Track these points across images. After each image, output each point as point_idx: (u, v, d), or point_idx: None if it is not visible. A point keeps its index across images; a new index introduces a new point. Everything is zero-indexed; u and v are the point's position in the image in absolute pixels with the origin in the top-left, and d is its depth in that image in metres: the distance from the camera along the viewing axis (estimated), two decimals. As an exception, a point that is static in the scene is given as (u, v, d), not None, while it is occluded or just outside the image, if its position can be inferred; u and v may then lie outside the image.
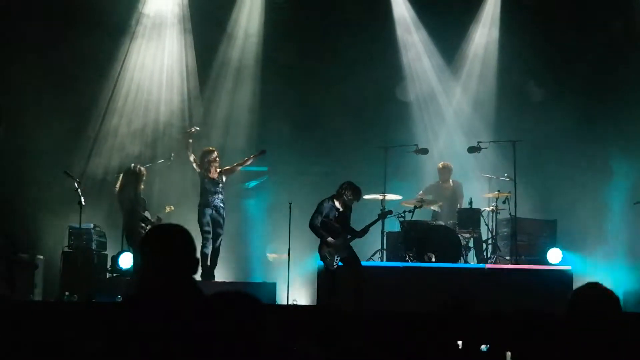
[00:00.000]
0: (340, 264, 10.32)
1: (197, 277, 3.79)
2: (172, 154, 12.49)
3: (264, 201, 14.37)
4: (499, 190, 12.34)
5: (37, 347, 5.83)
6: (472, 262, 12.12)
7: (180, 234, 3.68)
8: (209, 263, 11.35)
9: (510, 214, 12.16)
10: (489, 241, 12.26)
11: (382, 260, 11.97)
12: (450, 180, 13.20)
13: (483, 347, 4.59)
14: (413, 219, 12.12)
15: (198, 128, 12.24)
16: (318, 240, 10.42)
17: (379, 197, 12.26)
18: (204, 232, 11.33)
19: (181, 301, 3.52)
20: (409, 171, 13.83)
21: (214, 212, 11.47)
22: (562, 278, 10.88)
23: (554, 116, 13.52)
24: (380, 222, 11.25)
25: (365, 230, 10.49)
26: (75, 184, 11.08)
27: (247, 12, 14.42)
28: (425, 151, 13.10)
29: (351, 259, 10.36)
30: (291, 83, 14.28)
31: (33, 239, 12.34)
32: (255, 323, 3.12)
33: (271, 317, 3.17)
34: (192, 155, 11.56)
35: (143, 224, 10.99)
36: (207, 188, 11.49)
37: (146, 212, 11.24)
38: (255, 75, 14.39)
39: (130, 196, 11.05)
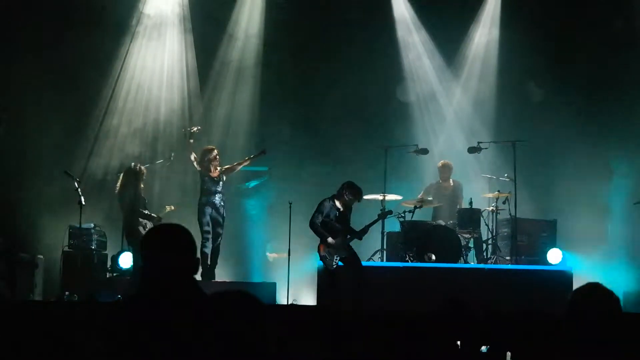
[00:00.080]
0: (340, 263, 10.32)
1: (198, 276, 3.79)
2: (172, 154, 12.50)
3: (264, 201, 14.37)
4: (499, 191, 12.34)
5: (37, 347, 5.84)
6: (472, 262, 12.12)
7: (180, 234, 3.68)
8: (209, 262, 11.36)
9: (510, 214, 12.16)
10: (489, 241, 12.25)
11: (382, 261, 11.97)
12: (451, 179, 13.20)
13: (483, 349, 4.58)
14: (413, 219, 12.12)
15: (199, 127, 12.25)
16: (318, 240, 10.43)
17: (379, 197, 12.26)
18: (203, 232, 11.35)
19: (182, 301, 3.52)
20: (409, 171, 13.83)
21: (213, 211, 11.48)
22: (562, 278, 10.88)
23: (554, 116, 13.52)
24: (380, 222, 11.25)
25: (365, 231, 10.49)
26: (75, 184, 11.08)
27: (247, 12, 14.43)
28: (425, 151, 13.10)
29: (351, 258, 10.37)
30: (291, 83, 14.29)
31: (33, 239, 12.34)
32: (255, 323, 3.12)
33: (271, 317, 3.17)
34: (193, 153, 11.58)
35: (143, 224, 11.00)
36: (207, 187, 11.51)
37: (146, 211, 11.25)
38: (256, 75, 14.40)
39: (130, 195, 11.06)
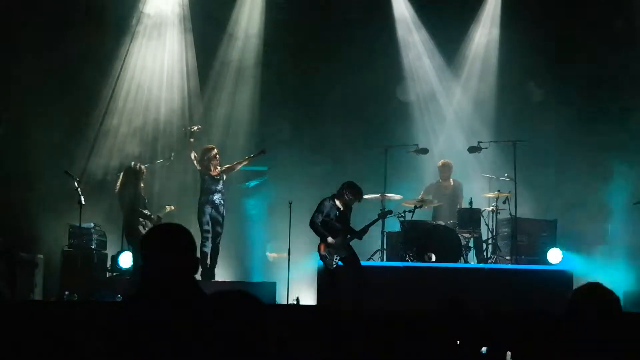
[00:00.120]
0: (340, 263, 10.32)
1: (197, 276, 3.79)
2: (172, 154, 12.51)
3: (264, 201, 14.38)
4: (499, 190, 12.34)
5: (37, 347, 5.84)
6: (472, 262, 12.11)
7: (180, 234, 3.68)
8: (208, 262, 11.36)
9: (510, 214, 12.16)
10: (489, 241, 12.25)
11: (382, 260, 11.97)
12: (451, 179, 13.20)
13: (483, 349, 4.58)
14: (413, 218, 12.12)
15: (200, 126, 12.26)
16: (318, 240, 10.43)
17: (379, 196, 12.26)
18: (203, 231, 11.36)
19: (182, 301, 3.52)
20: (409, 171, 13.83)
21: (213, 210, 11.49)
22: (562, 278, 10.88)
23: (554, 116, 13.52)
24: (380, 221, 11.25)
25: (365, 230, 10.48)
26: (75, 183, 11.09)
27: (247, 12, 14.43)
28: (425, 151, 13.10)
29: (351, 258, 10.36)
30: (291, 83, 14.29)
31: (33, 239, 12.34)
32: (255, 323, 3.12)
33: (271, 316, 3.17)
34: (193, 152, 11.60)
35: (143, 224, 11.00)
36: (207, 186, 11.52)
37: (146, 211, 11.25)
38: (256, 74, 14.40)
39: (130, 195, 11.06)
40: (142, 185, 11.32)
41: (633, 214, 12.80)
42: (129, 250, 11.33)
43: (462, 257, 11.69)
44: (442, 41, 14.52)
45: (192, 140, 11.70)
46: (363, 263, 10.69)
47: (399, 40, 14.63)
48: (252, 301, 3.16)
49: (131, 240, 11.05)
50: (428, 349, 4.28)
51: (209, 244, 11.38)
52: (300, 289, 12.41)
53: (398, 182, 13.10)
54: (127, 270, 11.42)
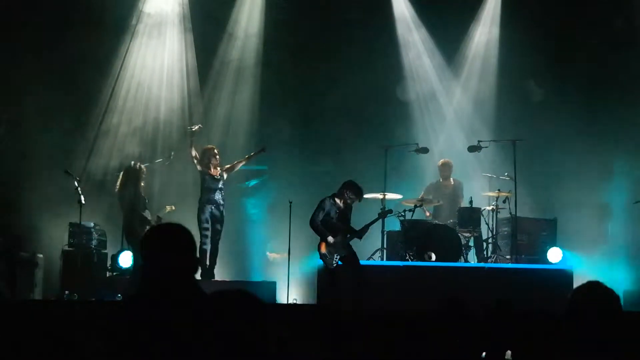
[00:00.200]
0: (340, 263, 10.32)
1: (197, 276, 3.79)
2: (172, 153, 12.51)
3: (264, 200, 14.39)
4: (499, 190, 12.33)
5: (37, 346, 5.83)
6: (472, 261, 12.11)
7: (180, 233, 3.68)
8: (207, 262, 11.37)
9: (510, 213, 12.16)
10: (489, 240, 12.25)
11: (382, 260, 11.97)
12: (451, 178, 13.20)
13: (483, 355, 4.58)
14: (413, 218, 12.12)
15: (201, 125, 12.26)
16: (318, 239, 10.42)
17: (379, 196, 12.26)
18: (202, 229, 11.36)
19: (182, 301, 3.52)
20: (409, 170, 13.84)
21: (214, 208, 11.51)
22: (562, 277, 10.88)
23: (554, 115, 13.52)
24: (380, 221, 11.25)
25: (365, 230, 10.48)
26: (75, 183, 11.09)
27: (247, 11, 14.43)
28: (425, 150, 13.10)
29: (351, 258, 10.36)
30: (291, 83, 14.29)
31: (33, 238, 12.34)
32: (255, 322, 3.12)
33: (271, 316, 3.17)
34: (194, 151, 11.61)
35: (143, 223, 11.00)
36: (207, 185, 11.54)
37: (146, 211, 11.25)
38: (256, 74, 14.40)
39: (130, 195, 11.06)
40: (142, 185, 11.32)
41: (633, 213, 12.81)
42: (129, 249, 11.33)
43: (462, 257, 11.69)
44: (442, 40, 14.53)
45: (193, 139, 11.71)
46: (363, 262, 10.69)
47: (399, 39, 14.63)
48: (252, 301, 3.16)
49: (131, 240, 11.05)
50: (428, 349, 4.28)
51: (208, 242, 11.39)
52: (300, 288, 12.43)
53: (398, 181, 13.11)
54: (127, 269, 11.41)
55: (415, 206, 12.17)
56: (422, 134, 14.24)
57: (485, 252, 12.17)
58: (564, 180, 13.56)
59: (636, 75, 13.35)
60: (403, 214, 12.04)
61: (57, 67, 12.95)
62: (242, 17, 14.41)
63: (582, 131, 13.45)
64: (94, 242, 12.03)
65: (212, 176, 11.55)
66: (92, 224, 12.06)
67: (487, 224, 12.35)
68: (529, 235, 12.25)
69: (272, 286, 11.14)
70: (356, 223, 10.56)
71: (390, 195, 12.34)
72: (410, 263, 11.34)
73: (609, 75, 13.71)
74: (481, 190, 12.92)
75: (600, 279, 3.67)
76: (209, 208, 11.49)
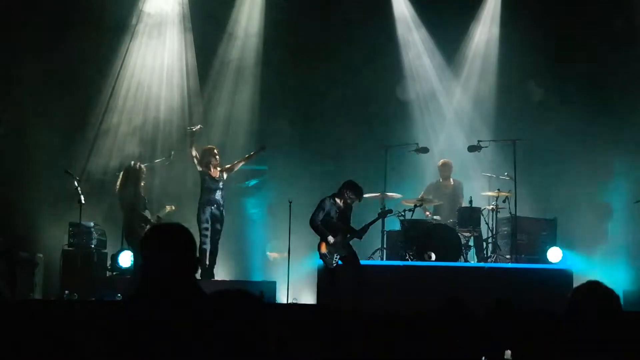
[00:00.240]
0: (340, 262, 10.32)
1: (197, 276, 3.79)
2: (172, 152, 12.50)
3: (264, 200, 14.39)
4: (499, 189, 12.33)
5: (37, 346, 5.83)
6: (472, 261, 12.11)
7: (180, 233, 3.68)
8: (207, 261, 11.37)
9: (510, 213, 12.16)
10: (489, 240, 12.25)
11: (382, 259, 11.97)
12: (451, 178, 13.20)
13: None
14: (413, 217, 12.13)
15: (202, 126, 12.26)
16: (318, 239, 10.42)
17: (379, 196, 12.26)
18: (202, 229, 11.37)
19: (182, 300, 3.52)
20: (409, 170, 13.84)
21: (214, 208, 11.51)
22: (562, 277, 10.87)
23: (554, 115, 13.52)
24: (380, 221, 11.25)
25: (364, 230, 10.47)
26: (76, 182, 11.09)
27: (247, 11, 14.43)
28: (425, 150, 13.10)
29: (351, 257, 10.36)
30: (291, 82, 14.29)
31: (33, 238, 12.35)
32: (255, 322, 3.12)
33: (271, 316, 3.17)
34: (195, 151, 11.61)
35: (143, 223, 11.00)
36: (208, 186, 11.54)
37: (146, 210, 11.25)
38: (255, 74, 14.40)
39: (130, 195, 11.06)
40: (142, 184, 11.32)
41: (633, 213, 12.80)
42: (129, 250, 11.33)
43: (462, 256, 11.69)
44: (442, 40, 14.52)
45: (193, 139, 11.71)
46: (363, 262, 10.68)
47: (399, 39, 14.63)
48: (252, 300, 3.16)
49: (131, 240, 11.05)
50: (428, 349, 4.28)
51: (208, 241, 11.40)
52: (300, 288, 12.42)
53: (398, 181, 13.11)
54: (127, 269, 11.41)
55: (415, 206, 12.18)
56: (422, 133, 14.24)
57: (485, 252, 12.17)
58: (563, 180, 13.56)
59: (636, 75, 13.34)
60: (403, 213, 12.03)
61: (57, 67, 12.96)
62: (242, 17, 14.41)
63: (583, 131, 13.45)
64: (94, 242, 12.04)
65: (212, 176, 11.56)
66: (92, 224, 12.06)
67: (487, 224, 12.35)
68: (529, 235, 12.25)
69: (271, 286, 11.15)
70: (356, 223, 10.56)
71: (390, 195, 12.34)
72: (410, 263, 11.34)
73: (609, 75, 13.71)
74: (481, 189, 12.91)
75: (600, 279, 3.66)
76: (209, 208, 11.49)
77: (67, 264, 11.62)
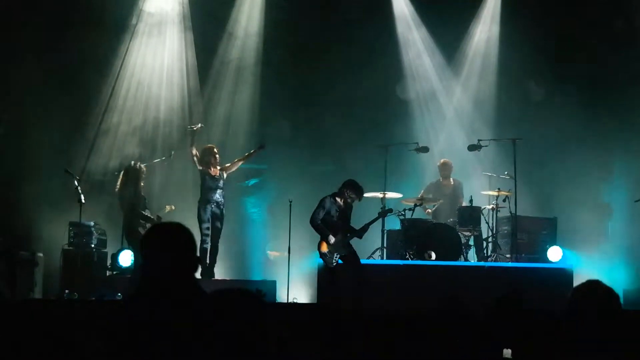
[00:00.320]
0: (340, 262, 10.32)
1: (197, 275, 3.79)
2: (172, 152, 12.50)
3: (264, 199, 14.39)
4: (499, 189, 12.33)
5: (37, 346, 5.83)
6: (472, 260, 12.11)
7: (180, 233, 3.68)
8: (208, 261, 11.37)
9: (510, 212, 12.16)
10: (489, 239, 12.25)
11: (382, 259, 11.97)
12: (451, 178, 13.21)
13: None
14: (413, 217, 12.13)
15: (202, 125, 12.27)
16: (318, 238, 10.42)
17: (379, 195, 12.26)
18: (202, 228, 11.37)
19: (182, 300, 3.52)
20: (409, 169, 13.84)
21: (214, 207, 11.51)
22: (563, 276, 10.88)
23: (554, 114, 13.52)
24: (380, 220, 11.25)
25: (365, 229, 10.48)
26: (75, 182, 11.09)
27: (247, 11, 14.44)
28: (425, 149, 13.10)
29: (351, 257, 10.36)
30: (291, 81, 14.29)
31: (33, 237, 12.34)
32: (255, 321, 3.12)
33: (271, 315, 3.17)
34: (195, 150, 11.61)
35: (143, 223, 11.00)
36: (208, 185, 11.54)
37: (146, 210, 11.25)
38: (255, 73, 14.40)
39: (130, 194, 11.06)
40: (142, 184, 11.32)
41: (633, 212, 12.81)
42: (129, 249, 11.33)
43: (462, 256, 11.69)
44: (442, 39, 14.52)
45: (194, 138, 11.71)
46: (363, 261, 10.68)
47: (399, 38, 14.63)
48: (252, 300, 3.16)
49: (131, 240, 11.05)
50: (428, 349, 4.28)
51: (208, 242, 11.40)
52: (300, 287, 12.43)
53: (398, 180, 13.12)
54: (127, 268, 11.41)
55: (415, 205, 12.19)
56: (422, 133, 14.24)
57: (485, 251, 12.18)
58: (564, 179, 13.55)
59: (636, 75, 13.34)
60: (403, 213, 12.04)
61: (57, 67, 12.96)
62: (242, 17, 14.41)
63: (583, 130, 13.45)
64: (94, 241, 12.04)
65: (212, 175, 11.56)
66: (92, 223, 12.06)
67: (487, 223, 12.35)
68: (529, 234, 12.25)
69: (272, 285, 11.15)
70: (356, 222, 10.56)
71: (390, 195, 12.35)
72: (410, 262, 11.34)
73: (609, 75, 13.71)
74: (481, 189, 12.91)
75: (600, 278, 3.66)
76: (209, 207, 11.49)
77: (67, 263, 11.62)
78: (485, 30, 14.52)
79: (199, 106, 14.15)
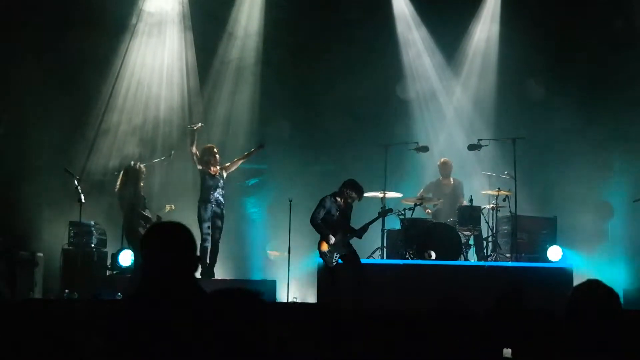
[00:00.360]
0: (340, 261, 10.32)
1: (197, 275, 3.79)
2: (172, 152, 12.50)
3: (263, 199, 14.39)
4: (499, 188, 12.33)
5: (37, 346, 5.83)
6: (472, 259, 12.12)
7: (180, 232, 3.68)
8: (208, 260, 11.37)
9: (510, 212, 12.16)
10: (489, 239, 12.25)
11: (382, 258, 11.98)
12: (451, 177, 13.22)
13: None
14: (413, 216, 12.13)
15: (203, 124, 12.27)
16: (318, 238, 10.42)
17: (379, 195, 12.27)
18: (203, 228, 11.36)
19: (182, 299, 3.52)
20: (409, 169, 13.85)
21: (214, 207, 11.51)
22: (563, 276, 10.87)
23: (554, 113, 13.54)
24: (380, 220, 11.25)
25: (365, 229, 10.47)
26: (75, 182, 11.09)
27: (247, 11, 14.44)
28: (425, 149, 13.11)
29: (351, 256, 10.36)
30: (291, 82, 14.29)
31: (33, 237, 12.35)
32: (255, 321, 3.12)
33: (271, 315, 3.17)
34: (195, 149, 11.62)
35: (143, 223, 11.00)
36: (208, 184, 11.54)
37: (146, 210, 11.25)
38: (255, 73, 14.41)
39: (130, 194, 11.05)
40: (142, 184, 11.32)
41: (633, 212, 12.82)
42: (129, 249, 11.33)
43: (462, 255, 11.69)
44: (442, 39, 14.53)
45: (194, 138, 11.71)
46: (363, 261, 10.68)
47: (398, 38, 14.64)
48: (252, 299, 3.16)
49: (131, 240, 11.05)
50: (428, 349, 4.28)
51: (209, 241, 11.40)
52: (300, 287, 12.43)
53: (398, 180, 13.12)
54: (127, 268, 11.41)
55: (415, 205, 12.19)
56: (422, 132, 14.25)
57: (485, 251, 12.18)
58: (564, 179, 13.56)
59: (636, 75, 13.34)
60: (403, 212, 12.04)
61: (57, 67, 12.95)
62: (242, 16, 14.42)
63: (582, 130, 13.46)
64: (94, 241, 12.04)
65: (212, 175, 11.56)
66: (92, 223, 12.06)
67: (487, 223, 12.35)
68: (529, 233, 12.26)
69: (272, 285, 11.15)
70: (356, 222, 10.56)
71: (390, 194, 12.35)
72: (410, 262, 11.35)
73: (609, 75, 13.71)
74: (481, 188, 12.92)
75: (600, 278, 3.67)
76: (210, 207, 11.49)
77: (67, 263, 11.63)
78: (485, 30, 14.53)
79: (199, 106, 14.15)
